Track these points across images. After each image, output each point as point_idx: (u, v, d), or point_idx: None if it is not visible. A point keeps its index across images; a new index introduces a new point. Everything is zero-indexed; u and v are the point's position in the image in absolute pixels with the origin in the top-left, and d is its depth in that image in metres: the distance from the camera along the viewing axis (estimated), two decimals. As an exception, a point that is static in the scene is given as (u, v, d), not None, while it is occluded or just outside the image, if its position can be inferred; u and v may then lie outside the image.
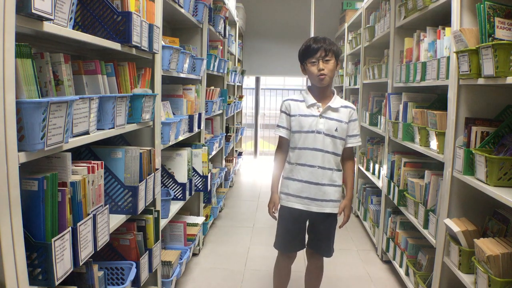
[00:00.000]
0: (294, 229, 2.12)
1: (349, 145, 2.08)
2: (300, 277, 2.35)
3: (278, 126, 2.11)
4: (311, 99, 2.04)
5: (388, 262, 3.07)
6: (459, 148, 1.85)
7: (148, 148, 1.93)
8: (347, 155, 2.12)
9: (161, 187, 2.37)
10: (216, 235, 3.64)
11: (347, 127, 2.06)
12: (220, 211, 4.22)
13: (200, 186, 2.99)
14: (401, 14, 2.81)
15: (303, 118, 2.03)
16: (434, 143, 2.15)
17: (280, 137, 2.12)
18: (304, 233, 2.16)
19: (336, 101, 2.05)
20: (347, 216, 2.09)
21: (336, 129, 2.02)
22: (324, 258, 2.22)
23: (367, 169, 3.80)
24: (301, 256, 2.26)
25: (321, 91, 2.04)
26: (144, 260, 1.91)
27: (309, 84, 2.12)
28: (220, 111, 4.14)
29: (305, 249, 2.22)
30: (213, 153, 3.75)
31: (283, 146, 2.14)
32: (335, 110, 2.04)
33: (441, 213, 2.02)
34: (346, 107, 2.07)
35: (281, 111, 2.11)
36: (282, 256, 2.21)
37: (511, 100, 1.91)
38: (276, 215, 2.15)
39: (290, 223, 2.11)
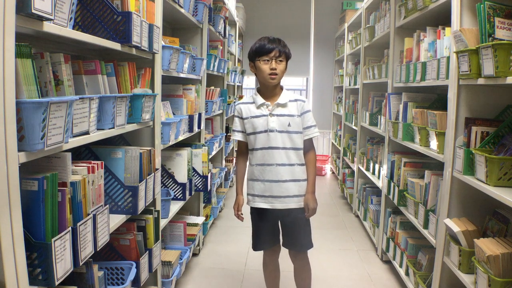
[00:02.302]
0: (264, 227, 2.17)
1: (306, 137, 2.11)
2: (293, 277, 2.36)
3: (233, 130, 2.17)
4: (260, 100, 2.08)
5: (388, 262, 3.07)
6: (459, 148, 1.85)
7: (148, 148, 1.93)
8: (306, 148, 2.13)
9: (161, 187, 2.37)
10: (216, 235, 3.64)
11: (300, 120, 2.08)
12: (220, 211, 4.22)
13: (200, 186, 2.99)
14: (401, 14, 2.81)
15: (255, 120, 2.07)
16: (434, 143, 2.15)
17: (238, 141, 2.18)
18: (276, 230, 2.20)
19: (284, 96, 2.08)
20: (311, 210, 2.10)
21: (289, 124, 2.05)
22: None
23: (367, 169, 3.80)
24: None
25: (269, 90, 2.08)
26: (144, 260, 1.91)
27: (258, 86, 2.17)
28: (220, 111, 4.14)
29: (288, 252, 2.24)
30: (213, 153, 3.75)
31: (242, 149, 2.21)
32: (284, 105, 2.07)
33: (441, 213, 2.02)
34: (295, 100, 2.09)
35: (235, 116, 2.17)
36: (265, 254, 2.27)
37: (511, 100, 1.91)
38: (243, 216, 2.20)
39: (260, 222, 2.17)
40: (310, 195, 2.11)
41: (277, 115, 2.05)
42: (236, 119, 2.15)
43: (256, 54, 2.04)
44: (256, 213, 2.16)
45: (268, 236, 2.19)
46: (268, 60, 2.00)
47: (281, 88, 2.12)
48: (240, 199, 2.19)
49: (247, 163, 2.21)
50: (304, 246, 2.17)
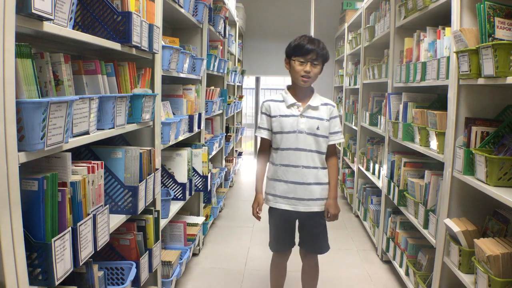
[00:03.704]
0: (283, 229, 2.14)
1: (331, 142, 2.09)
2: (297, 276, 2.35)
3: (259, 127, 2.12)
4: (291, 99, 2.05)
5: (388, 262, 3.07)
6: (459, 148, 1.85)
7: (148, 148, 1.93)
8: (330, 153, 2.12)
9: (161, 187, 2.37)
10: (216, 235, 3.64)
11: (329, 124, 2.06)
12: (220, 211, 4.22)
13: (200, 186, 2.99)
14: (401, 14, 2.81)
15: (284, 119, 2.03)
16: (434, 143, 2.15)
17: (262, 138, 2.13)
18: (294, 232, 2.18)
19: (316, 99, 2.06)
20: (332, 216, 2.08)
21: (318, 127, 2.02)
22: (321, 258, 2.22)
23: (367, 169, 3.80)
24: (299, 256, 2.27)
25: (301, 90, 2.05)
26: (144, 260, 1.91)
27: (288, 84, 2.14)
28: (220, 111, 4.14)
29: (299, 250, 2.23)
30: (213, 153, 3.75)
31: (265, 147, 2.16)
32: (315, 108, 2.04)
33: (441, 213, 2.02)
34: (326, 104, 2.08)
35: (262, 113, 2.12)
36: (276, 255, 2.25)
37: (511, 100, 1.91)
38: (260, 215, 2.16)
39: (280, 223, 2.13)
40: (332, 200, 2.08)
41: (307, 117, 2.02)
42: (264, 116, 2.10)
43: (292, 52, 2.00)
44: (277, 214, 2.11)
45: (288, 238, 2.16)
46: (303, 62, 1.96)
47: (312, 91, 2.09)
48: (260, 198, 2.14)
49: (268, 161, 2.15)
50: (322, 248, 2.16)
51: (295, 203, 2.05)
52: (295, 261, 2.26)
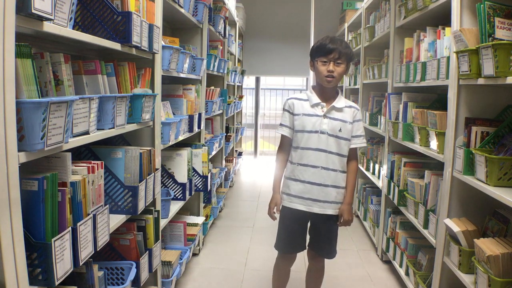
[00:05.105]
0: (295, 230, 2.10)
1: (352, 146, 2.06)
2: (300, 277, 2.35)
3: (281, 124, 2.09)
4: (315, 99, 2.02)
5: (388, 262, 3.07)
6: (459, 148, 1.85)
7: (148, 148, 1.93)
8: (351, 156, 2.08)
9: (161, 187, 2.37)
10: (216, 235, 3.64)
11: (351, 127, 2.03)
12: (220, 211, 4.22)
13: (200, 186, 2.99)
14: (401, 14, 2.81)
15: (307, 118, 2.01)
16: (434, 143, 2.15)
17: (283, 136, 2.09)
18: (305, 234, 2.14)
19: (341, 101, 2.04)
20: (346, 221, 2.05)
21: (340, 129, 2.00)
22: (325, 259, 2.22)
23: (367, 169, 3.80)
24: (302, 256, 2.26)
25: (325, 91, 2.03)
26: (144, 260, 1.91)
27: (312, 84, 2.11)
28: (220, 111, 4.14)
29: (306, 250, 2.21)
30: (213, 153, 3.75)
31: (285, 145, 2.12)
32: (339, 110, 2.02)
33: (441, 213, 2.02)
34: (350, 107, 2.06)
35: (284, 110, 2.09)
36: (282, 257, 2.20)
37: (511, 100, 1.91)
38: (277, 215, 2.13)
39: (291, 224, 2.10)
40: (347, 206, 2.05)
41: (330, 118, 1.99)
42: (286, 114, 2.07)
43: (315, 54, 1.99)
44: (290, 213, 2.08)
45: (298, 241, 2.11)
46: (326, 62, 1.94)
47: (337, 92, 2.07)
48: (278, 198, 2.10)
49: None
50: (331, 253, 2.14)
51: (310, 204, 2.03)
52: (298, 261, 2.25)
